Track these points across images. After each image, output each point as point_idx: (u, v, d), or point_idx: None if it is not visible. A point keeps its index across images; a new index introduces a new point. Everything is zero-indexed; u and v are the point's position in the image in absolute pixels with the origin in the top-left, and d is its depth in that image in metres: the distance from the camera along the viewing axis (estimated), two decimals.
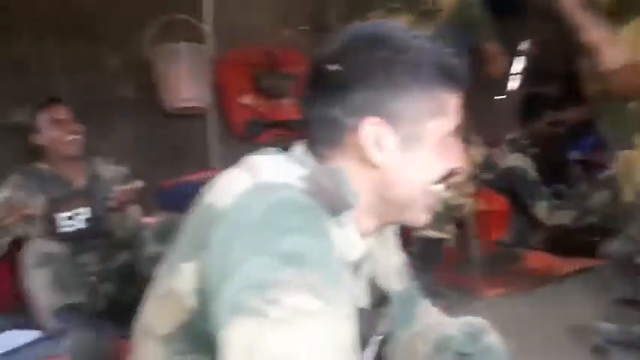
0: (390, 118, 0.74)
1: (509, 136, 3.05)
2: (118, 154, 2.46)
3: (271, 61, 3.36)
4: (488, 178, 2.80)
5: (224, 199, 0.66)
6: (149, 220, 2.21)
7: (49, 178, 2.22)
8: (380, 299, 0.87)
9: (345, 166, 0.76)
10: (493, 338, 0.97)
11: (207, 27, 2.93)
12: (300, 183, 0.70)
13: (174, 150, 3.06)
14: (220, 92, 3.14)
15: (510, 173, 2.84)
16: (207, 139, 2.74)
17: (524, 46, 3.92)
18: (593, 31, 1.75)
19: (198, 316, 0.67)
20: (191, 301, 0.67)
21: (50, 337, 1.89)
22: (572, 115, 3.08)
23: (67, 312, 1.88)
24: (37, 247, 1.98)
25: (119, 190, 2.18)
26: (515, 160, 2.93)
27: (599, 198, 2.48)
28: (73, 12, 2.88)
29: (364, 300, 0.83)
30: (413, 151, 0.75)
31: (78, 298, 1.94)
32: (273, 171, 0.71)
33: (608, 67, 1.80)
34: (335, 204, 0.71)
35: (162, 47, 2.92)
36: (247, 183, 0.67)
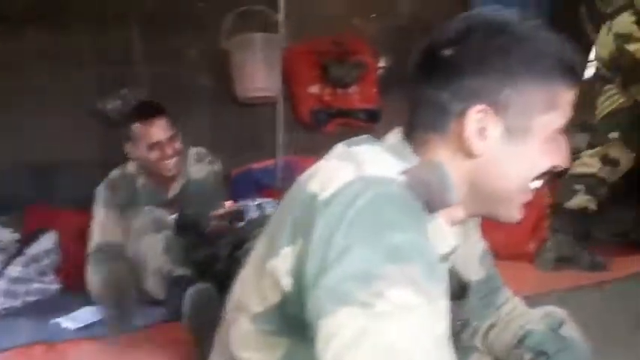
0: (499, 108, 0.72)
1: (580, 121, 2.90)
2: (193, 141, 2.57)
3: (340, 50, 3.38)
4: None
5: (327, 189, 0.67)
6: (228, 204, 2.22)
7: (142, 193, 2.16)
8: (459, 289, 0.89)
9: (443, 154, 0.75)
10: (573, 332, 0.96)
11: (280, 17, 2.99)
12: (402, 177, 0.69)
13: (244, 138, 3.17)
14: (289, 81, 3.21)
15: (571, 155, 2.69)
16: (277, 128, 2.81)
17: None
18: None
19: (291, 299, 0.69)
20: (286, 284, 0.69)
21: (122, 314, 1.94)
22: None
23: (176, 282, 1.84)
24: (148, 214, 2.00)
25: (214, 215, 2.03)
26: (581, 140, 2.78)
27: None
28: (154, 3, 3.02)
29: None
30: (517, 144, 0.73)
31: (186, 270, 1.90)
32: (376, 164, 0.70)
33: None
34: (435, 201, 0.70)
35: (238, 37, 3.01)
36: (351, 175, 0.67)
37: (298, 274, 0.67)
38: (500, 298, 1.01)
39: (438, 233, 0.73)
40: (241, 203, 2.36)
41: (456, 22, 0.76)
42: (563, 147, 0.77)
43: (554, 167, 0.77)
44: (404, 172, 0.70)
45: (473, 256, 0.96)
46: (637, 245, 2.35)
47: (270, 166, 2.75)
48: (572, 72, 0.74)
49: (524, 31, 0.73)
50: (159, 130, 2.04)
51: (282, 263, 0.70)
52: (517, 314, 1.00)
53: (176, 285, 1.83)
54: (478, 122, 0.73)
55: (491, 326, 1.00)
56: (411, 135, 0.78)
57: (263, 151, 2.99)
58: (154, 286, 1.94)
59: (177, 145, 2.11)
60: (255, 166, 2.86)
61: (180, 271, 1.91)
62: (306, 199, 0.69)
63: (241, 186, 2.60)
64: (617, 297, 1.91)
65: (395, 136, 0.79)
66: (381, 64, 3.51)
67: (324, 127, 3.29)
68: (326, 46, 3.38)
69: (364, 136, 0.79)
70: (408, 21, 3.45)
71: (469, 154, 0.74)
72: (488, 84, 0.72)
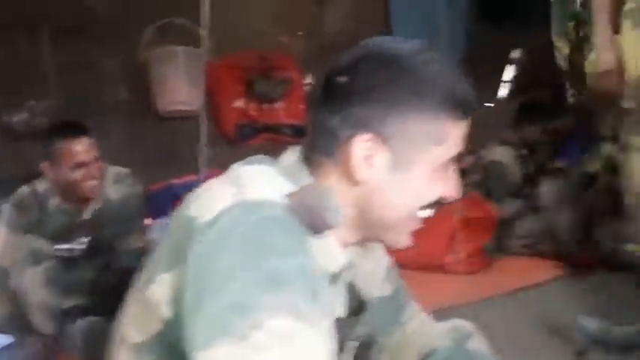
0: (385, 137, 0.72)
1: (500, 136, 3.04)
2: (109, 155, 2.46)
3: (265, 66, 3.38)
4: (476, 180, 2.81)
5: (206, 213, 0.65)
6: (147, 222, 2.15)
7: (54, 212, 2.01)
8: (358, 305, 0.87)
9: (334, 179, 0.75)
10: (480, 345, 0.96)
11: (204, 31, 2.95)
12: (285, 200, 0.68)
13: (164, 152, 3.08)
14: (212, 95, 3.16)
15: (489, 167, 2.80)
16: (199, 142, 2.76)
17: (515, 54, 3.97)
18: (600, 32, 1.81)
19: (171, 328, 0.66)
20: (165, 312, 0.67)
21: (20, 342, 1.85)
22: (565, 123, 3.10)
23: (67, 314, 1.75)
24: (26, 244, 1.87)
25: (130, 247, 1.96)
26: (497, 153, 2.92)
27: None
28: (69, 12, 2.90)
29: (341, 308, 0.83)
30: (403, 173, 0.74)
31: (74, 301, 1.80)
32: (259, 186, 0.69)
33: (598, 69, 1.86)
34: (317, 224, 0.69)
35: (159, 50, 2.94)
36: (231, 199, 0.66)
37: (177, 301, 0.65)
38: (407, 313, 0.99)
39: (327, 252, 0.73)
40: (162, 220, 2.28)
41: (353, 50, 0.76)
42: (452, 178, 0.77)
43: (442, 198, 0.77)
44: (287, 195, 0.69)
45: (376, 272, 0.94)
46: (545, 255, 2.48)
47: (191, 182, 2.68)
48: (461, 106, 0.74)
49: (416, 62, 0.73)
50: (84, 149, 1.93)
51: (161, 290, 0.67)
52: (424, 330, 0.98)
53: (66, 317, 1.74)
54: (364, 150, 0.73)
55: (398, 343, 0.99)
56: (310, 156, 0.78)
57: (185, 166, 2.92)
58: (39, 321, 1.81)
59: (100, 167, 2.02)
60: (176, 181, 2.79)
61: (69, 302, 1.81)
62: (185, 222, 0.67)
63: (161, 202, 2.51)
64: (527, 305, 1.99)
65: (292, 156, 0.78)
66: (308, 80, 3.54)
67: (249, 142, 3.26)
68: (251, 61, 3.37)
69: (259, 155, 0.77)
70: (335, 39, 3.50)
71: (355, 181, 0.74)
72: (375, 113, 0.72)
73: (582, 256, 2.36)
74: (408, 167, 0.74)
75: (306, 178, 0.75)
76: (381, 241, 0.82)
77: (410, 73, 0.73)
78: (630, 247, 1.75)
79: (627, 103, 1.72)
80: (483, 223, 2.48)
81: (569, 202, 2.57)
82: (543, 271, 2.31)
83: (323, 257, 0.72)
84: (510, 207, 2.66)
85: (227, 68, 3.28)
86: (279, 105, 3.38)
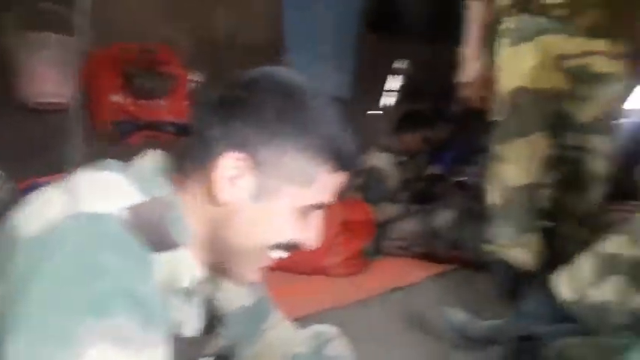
0: (257, 162, 0.72)
1: (381, 142, 3.16)
2: None
3: (147, 59, 3.23)
4: (358, 184, 2.91)
5: (32, 225, 0.60)
6: None
7: None
8: (214, 319, 0.84)
9: (195, 192, 0.73)
10: (341, 349, 0.97)
11: (80, 18, 2.76)
12: (123, 214, 0.64)
13: (32, 148, 2.84)
14: (88, 88, 2.98)
15: (370, 172, 2.92)
16: (70, 138, 2.57)
17: (399, 64, 4.14)
18: (471, 45, 1.92)
19: None
20: None
21: None
22: (442, 132, 3.29)
23: None
24: None
25: None
26: (378, 159, 3.00)
27: (444, 215, 2.67)
28: None
29: (195, 324, 0.80)
30: (265, 203, 0.73)
31: None
32: (97, 197, 0.64)
33: (464, 79, 1.99)
34: (158, 241, 0.66)
35: (27, 36, 2.72)
36: (60, 210, 0.61)
37: None
38: (269, 322, 0.99)
39: (179, 267, 0.70)
40: None
41: (256, 70, 0.76)
42: (314, 226, 0.77)
43: (299, 243, 0.76)
44: (128, 209, 0.64)
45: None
46: (419, 256, 2.60)
47: (57, 180, 2.49)
48: (338, 159, 0.75)
49: (309, 104, 0.74)
50: None
51: None
52: (285, 337, 0.99)
53: None
54: (232, 169, 0.72)
55: (258, 352, 0.98)
56: (180, 162, 0.75)
57: (55, 162, 2.70)
58: None
59: None
60: (41, 179, 2.57)
61: None
62: (10, 233, 0.62)
63: None
64: (403, 304, 2.07)
65: (149, 161, 0.75)
66: (195, 77, 3.44)
67: (128, 139, 3.10)
68: (132, 53, 3.20)
69: (109, 159, 0.73)
70: (223, 35, 3.43)
71: (215, 199, 0.72)
72: (254, 136, 0.72)
73: (453, 256, 2.51)
74: (270, 198, 0.73)
75: (159, 188, 0.71)
76: (227, 272, 0.77)
77: (300, 111, 0.73)
78: (488, 247, 1.90)
79: (496, 116, 1.85)
80: (363, 225, 2.55)
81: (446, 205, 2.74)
82: (418, 271, 2.43)
83: (175, 272, 0.69)
84: (388, 210, 2.78)
85: (105, 60, 3.09)
86: (161, 101, 3.25)
